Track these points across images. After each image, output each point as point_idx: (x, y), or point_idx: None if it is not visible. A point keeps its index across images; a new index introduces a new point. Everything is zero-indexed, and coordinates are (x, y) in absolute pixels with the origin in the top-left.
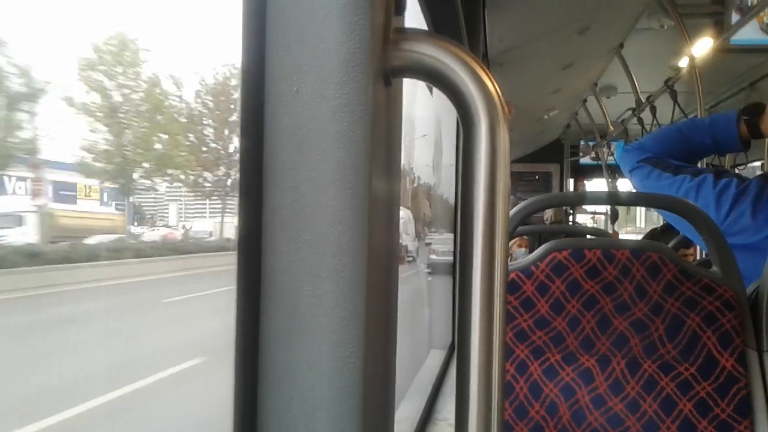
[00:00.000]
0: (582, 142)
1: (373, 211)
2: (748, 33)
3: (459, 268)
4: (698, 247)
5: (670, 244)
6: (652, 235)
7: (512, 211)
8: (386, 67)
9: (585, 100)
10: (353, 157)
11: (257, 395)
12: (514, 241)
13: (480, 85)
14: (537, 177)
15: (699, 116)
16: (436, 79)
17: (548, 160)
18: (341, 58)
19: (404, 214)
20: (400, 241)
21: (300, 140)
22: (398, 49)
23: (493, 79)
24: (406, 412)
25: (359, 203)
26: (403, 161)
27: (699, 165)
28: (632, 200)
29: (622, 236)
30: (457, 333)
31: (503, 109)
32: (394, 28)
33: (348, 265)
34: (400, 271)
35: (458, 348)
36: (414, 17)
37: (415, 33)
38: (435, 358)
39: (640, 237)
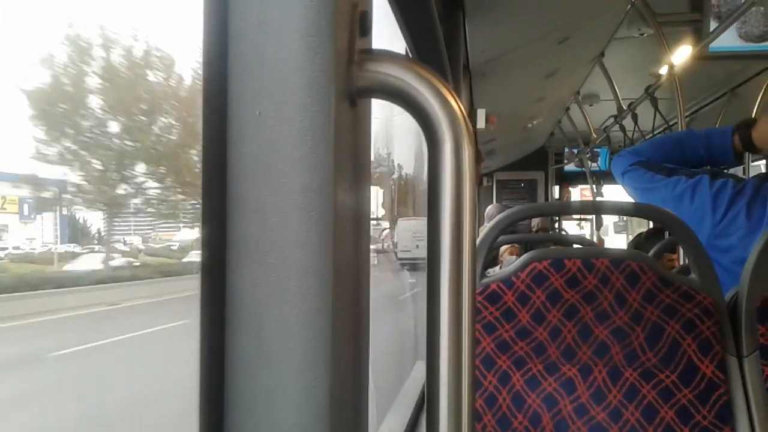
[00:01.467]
0: (566, 150)
1: (339, 232)
2: (727, 40)
3: (427, 286)
4: (681, 252)
5: (652, 250)
6: (638, 242)
7: (494, 221)
8: (351, 88)
9: (568, 108)
10: (317, 179)
11: (223, 423)
12: (505, 248)
13: (444, 105)
14: (522, 184)
15: (680, 122)
16: (401, 99)
17: (533, 167)
18: (304, 80)
19: (422, 225)
20: (421, 250)
21: (264, 163)
22: (363, 70)
23: (457, 99)
24: (390, 426)
25: (324, 225)
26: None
27: None
28: (614, 209)
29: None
30: (426, 351)
31: (467, 128)
32: (359, 50)
33: (313, 287)
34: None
35: (427, 367)
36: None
37: (380, 54)
38: (420, 370)
39: None
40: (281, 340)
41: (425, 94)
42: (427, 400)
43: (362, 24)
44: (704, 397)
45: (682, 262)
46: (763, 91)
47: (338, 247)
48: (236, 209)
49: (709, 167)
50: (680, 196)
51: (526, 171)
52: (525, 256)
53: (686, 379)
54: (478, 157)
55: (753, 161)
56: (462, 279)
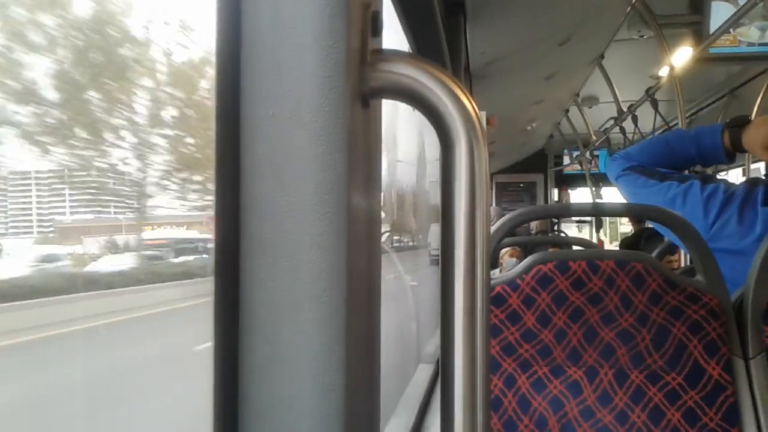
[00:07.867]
0: (565, 152)
1: (353, 234)
2: (727, 42)
3: (441, 285)
4: (683, 254)
5: (655, 252)
6: (636, 240)
7: (498, 224)
8: (364, 89)
9: (567, 111)
10: (331, 180)
11: (238, 430)
12: (505, 251)
13: (458, 106)
14: (522, 186)
15: (680, 124)
16: (414, 99)
17: (532, 170)
18: (317, 81)
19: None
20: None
21: (277, 165)
22: (376, 71)
23: (471, 99)
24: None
25: (338, 227)
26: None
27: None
28: (616, 211)
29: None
30: (440, 350)
31: (482, 129)
32: (372, 50)
33: (327, 290)
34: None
35: (441, 365)
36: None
37: (393, 54)
38: (423, 373)
39: None
40: (297, 345)
41: (439, 93)
42: (442, 399)
43: (374, 24)
44: (711, 399)
45: (683, 264)
46: (762, 92)
47: (352, 249)
48: (249, 211)
49: (700, 172)
50: (672, 201)
51: (526, 173)
52: (529, 259)
53: (693, 380)
54: None
55: (753, 162)
56: (476, 281)
